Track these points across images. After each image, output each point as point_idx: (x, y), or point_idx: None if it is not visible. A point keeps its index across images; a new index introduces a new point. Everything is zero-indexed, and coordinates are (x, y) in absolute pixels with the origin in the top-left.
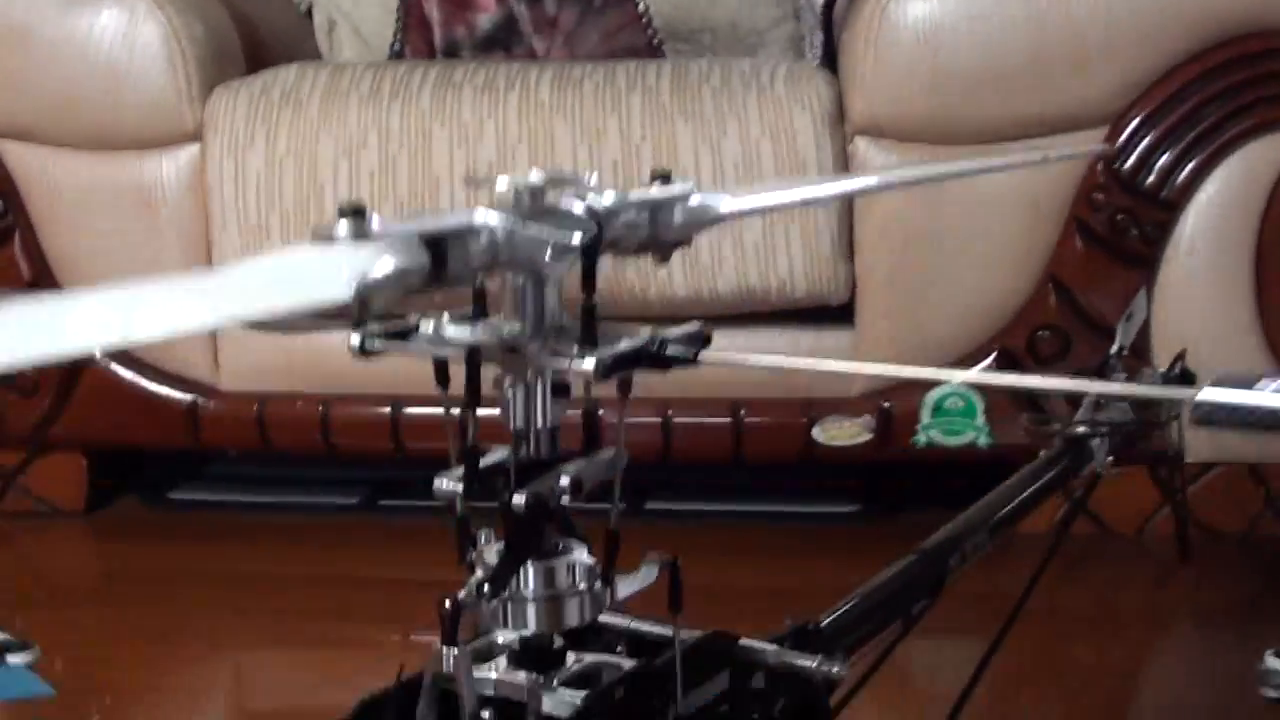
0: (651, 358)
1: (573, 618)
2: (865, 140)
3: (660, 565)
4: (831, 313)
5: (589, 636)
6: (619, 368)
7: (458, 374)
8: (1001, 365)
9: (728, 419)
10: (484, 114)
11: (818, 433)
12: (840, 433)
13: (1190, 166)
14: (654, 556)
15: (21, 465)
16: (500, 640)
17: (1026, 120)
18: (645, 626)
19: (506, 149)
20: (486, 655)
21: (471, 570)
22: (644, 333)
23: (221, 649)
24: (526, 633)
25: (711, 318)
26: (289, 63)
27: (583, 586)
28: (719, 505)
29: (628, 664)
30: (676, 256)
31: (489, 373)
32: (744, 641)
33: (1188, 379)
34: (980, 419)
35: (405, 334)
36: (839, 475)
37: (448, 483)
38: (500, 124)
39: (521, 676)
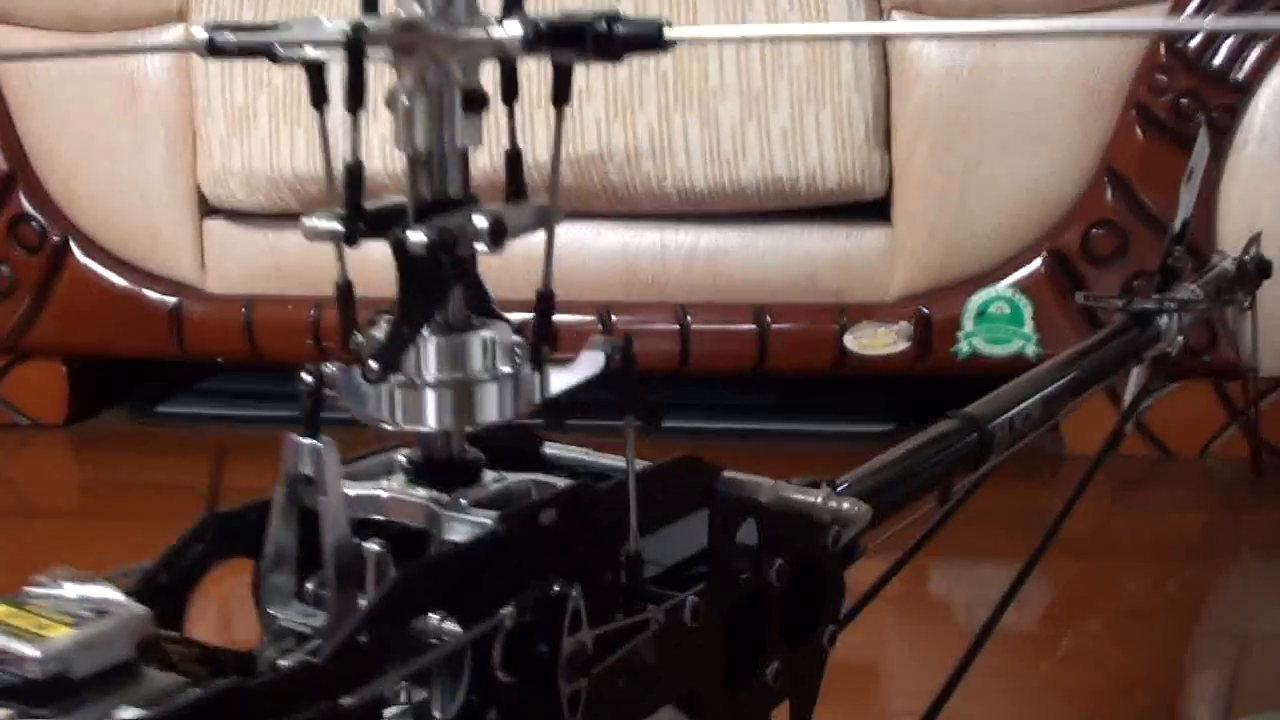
0: (600, 38)
1: (488, 411)
2: (902, 15)
3: (608, 350)
4: (866, 208)
5: (516, 460)
6: (552, 41)
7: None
8: (1052, 266)
9: (751, 325)
10: None
11: (850, 340)
12: (874, 340)
13: (1263, 45)
14: (600, 340)
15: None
16: (400, 457)
17: None
18: (595, 458)
19: None
20: (376, 472)
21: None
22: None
23: None
24: (426, 429)
25: (735, 214)
26: None
27: (504, 371)
28: (740, 424)
29: (563, 485)
30: (695, 143)
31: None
32: (729, 473)
33: (1263, 269)
34: (1028, 326)
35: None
36: (872, 389)
37: (322, 221)
38: None
39: (420, 494)
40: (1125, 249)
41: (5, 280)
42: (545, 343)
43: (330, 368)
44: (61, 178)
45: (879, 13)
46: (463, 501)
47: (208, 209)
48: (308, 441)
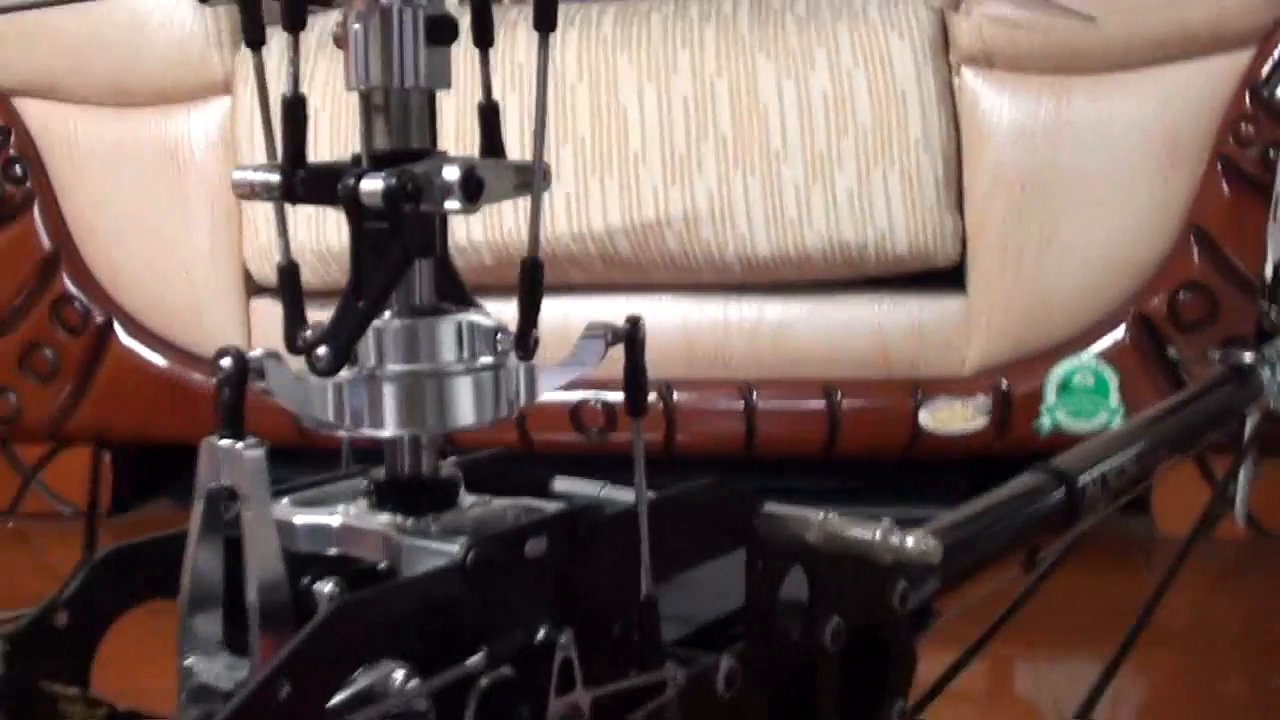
0: None
1: (463, 413)
2: (972, 71)
3: (605, 336)
4: (939, 276)
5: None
6: None
7: None
8: (1138, 333)
9: (821, 403)
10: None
11: (925, 417)
12: (951, 417)
13: None
14: (598, 325)
15: (41, 462)
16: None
17: (1158, 42)
18: (616, 492)
19: (566, 89)
20: (338, 498)
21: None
22: None
23: None
24: (387, 434)
25: (801, 284)
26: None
27: (484, 363)
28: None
29: (552, 511)
30: (757, 208)
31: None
32: (772, 506)
33: None
34: (1114, 398)
35: None
36: (948, 471)
37: (255, 173)
38: (560, 62)
39: (380, 520)
40: (1215, 313)
41: (48, 364)
42: (534, 326)
43: (257, 352)
44: (105, 257)
45: (948, 68)
46: (433, 528)
47: (254, 287)
48: (225, 443)
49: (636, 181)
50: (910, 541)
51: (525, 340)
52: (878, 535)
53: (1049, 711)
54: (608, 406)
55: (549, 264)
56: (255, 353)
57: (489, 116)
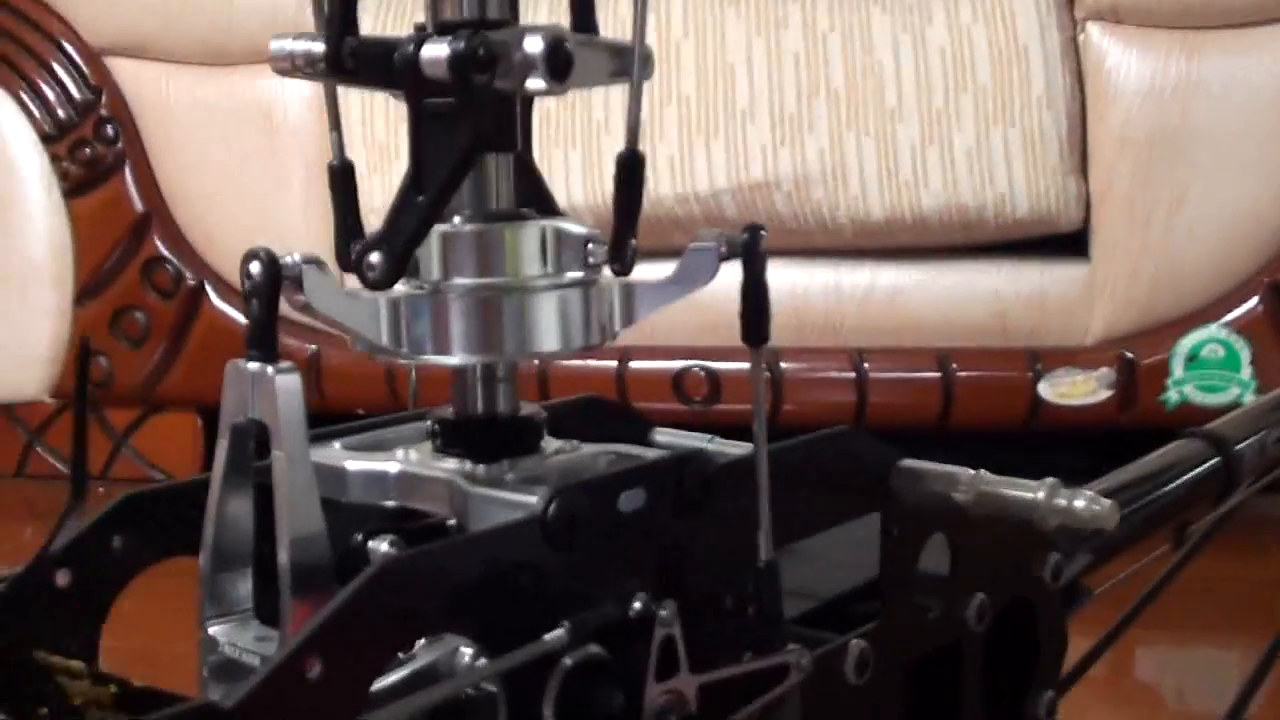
0: None
1: (548, 336)
2: (1098, 26)
3: (719, 247)
4: (1061, 241)
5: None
6: None
7: None
8: (1272, 303)
9: (935, 373)
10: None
11: (1045, 389)
12: (1073, 389)
13: None
14: (710, 232)
15: (132, 426)
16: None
17: None
18: (724, 446)
19: (670, 45)
20: (398, 442)
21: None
22: None
23: None
24: (456, 361)
25: (915, 249)
26: None
27: (573, 277)
28: None
29: (652, 458)
30: (870, 168)
31: None
32: (910, 462)
33: None
34: (1246, 371)
35: None
36: (1069, 444)
37: (296, 42)
38: (664, 18)
39: (445, 466)
40: None
41: (139, 327)
42: (632, 235)
43: (294, 257)
44: (198, 219)
45: (1072, 23)
46: (508, 477)
47: None
48: (254, 367)
49: (744, 141)
50: (1080, 503)
51: (621, 252)
52: (1042, 495)
53: (1174, 700)
54: (711, 374)
55: (651, 228)
56: (292, 257)
57: None
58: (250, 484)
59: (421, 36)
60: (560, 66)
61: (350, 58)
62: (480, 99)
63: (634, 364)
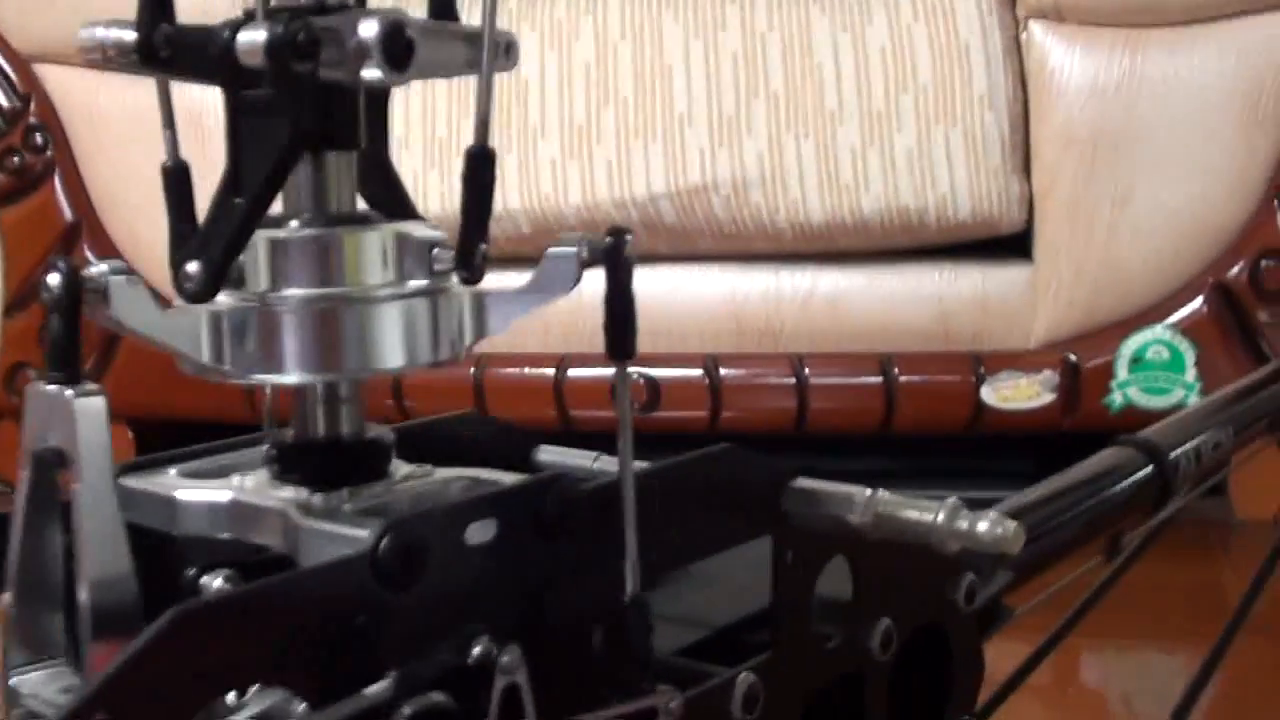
0: None
1: (391, 351)
2: (1041, 25)
3: (580, 252)
4: (1003, 244)
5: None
6: None
7: None
8: (1216, 304)
9: (877, 378)
10: (580, 9)
11: (988, 393)
12: (1016, 393)
13: None
14: (573, 235)
15: None
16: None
17: None
18: (608, 465)
19: (608, 48)
20: (230, 469)
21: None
22: None
23: None
24: (287, 380)
25: (856, 252)
26: None
27: (418, 285)
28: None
29: (509, 483)
30: (810, 171)
31: None
32: (804, 482)
33: None
34: (1190, 373)
35: None
36: (1012, 449)
37: (107, 30)
38: (602, 20)
39: (280, 495)
40: None
41: None
42: (483, 240)
43: (100, 267)
44: (128, 228)
45: (1014, 22)
46: (345, 507)
47: None
48: (53, 390)
49: (682, 144)
50: (983, 525)
51: (470, 257)
52: (941, 517)
53: (1120, 707)
54: (650, 381)
55: (588, 231)
56: (97, 268)
57: None
58: (58, 516)
59: (239, 21)
60: (399, 54)
61: (165, 47)
62: (302, 89)
63: (573, 372)
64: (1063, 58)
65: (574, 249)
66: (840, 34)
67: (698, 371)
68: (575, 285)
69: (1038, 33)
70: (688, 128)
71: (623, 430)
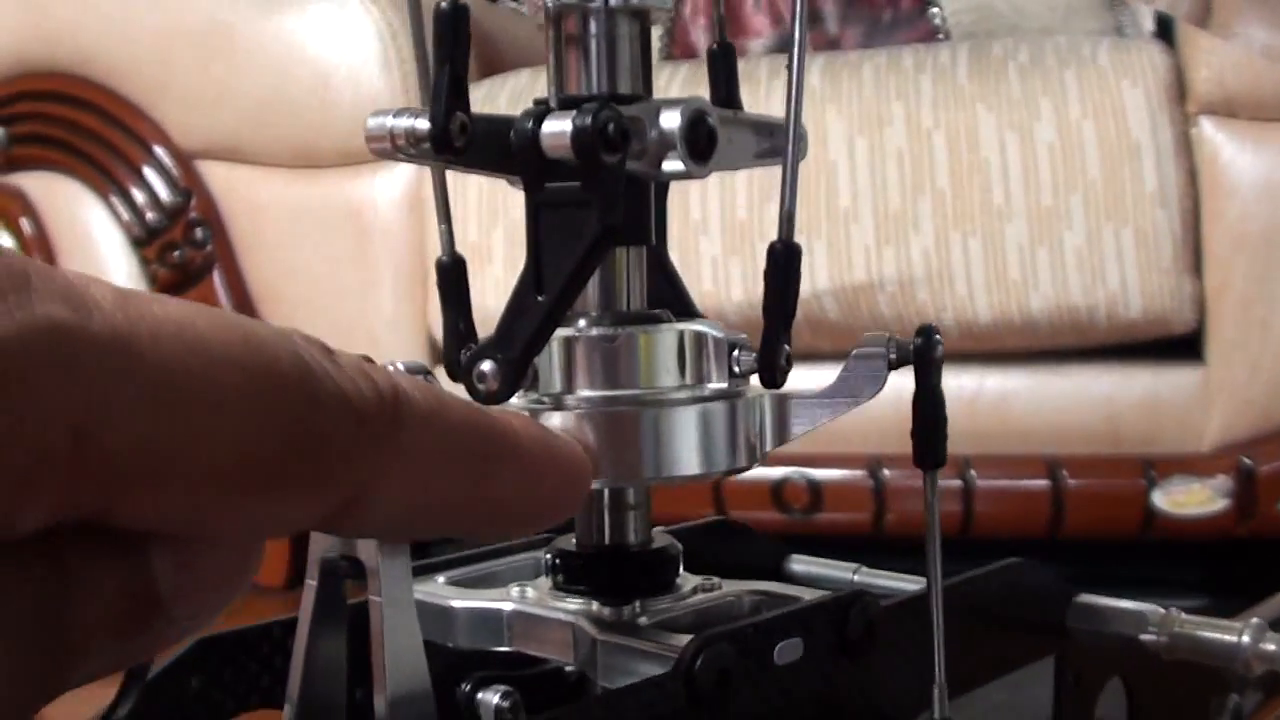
0: None
1: (687, 458)
2: (1212, 121)
3: (887, 353)
4: (1175, 344)
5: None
6: None
7: None
8: None
9: (1045, 481)
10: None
11: (1159, 498)
12: (1188, 498)
13: None
14: (876, 336)
15: None
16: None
17: None
18: (872, 578)
19: None
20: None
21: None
22: None
23: None
24: (599, 485)
25: (1023, 352)
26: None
27: (716, 389)
28: None
29: (810, 600)
30: (977, 269)
31: None
32: (1086, 597)
33: None
34: None
35: None
36: (1182, 557)
37: (397, 119)
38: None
39: (568, 607)
40: None
41: None
42: (786, 341)
43: (397, 365)
44: (288, 322)
45: (1184, 118)
46: (641, 620)
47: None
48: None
49: (847, 241)
50: None
51: (773, 359)
52: (1248, 639)
53: None
54: (813, 484)
55: (751, 332)
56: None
57: (721, 60)
58: (343, 627)
59: (543, 110)
60: (702, 145)
61: (460, 136)
62: (611, 182)
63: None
64: (1234, 154)
65: (880, 349)
66: (1008, 131)
67: (861, 472)
68: (882, 388)
69: (1208, 128)
70: (853, 224)
71: (930, 541)
